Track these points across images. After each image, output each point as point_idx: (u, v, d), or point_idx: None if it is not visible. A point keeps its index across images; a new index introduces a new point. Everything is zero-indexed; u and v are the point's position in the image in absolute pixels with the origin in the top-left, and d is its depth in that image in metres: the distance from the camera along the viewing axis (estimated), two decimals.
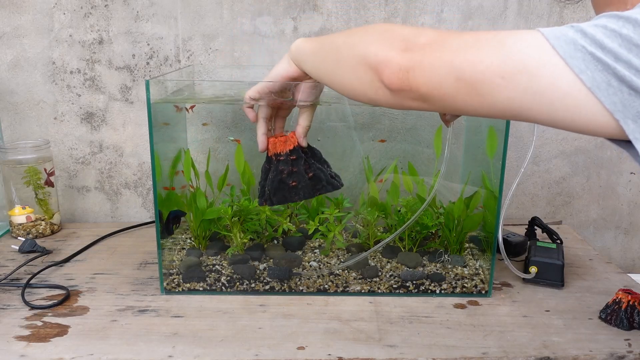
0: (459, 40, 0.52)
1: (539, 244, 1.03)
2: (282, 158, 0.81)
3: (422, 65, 0.53)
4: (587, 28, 0.47)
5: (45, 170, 1.17)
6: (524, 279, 0.99)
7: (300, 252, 1.03)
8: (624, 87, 0.45)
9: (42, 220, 1.20)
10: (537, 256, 0.98)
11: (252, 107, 0.81)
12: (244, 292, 0.95)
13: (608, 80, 0.45)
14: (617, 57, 0.45)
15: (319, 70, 0.68)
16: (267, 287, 0.95)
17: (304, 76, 0.74)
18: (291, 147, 0.81)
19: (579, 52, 0.46)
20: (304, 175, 0.82)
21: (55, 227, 1.22)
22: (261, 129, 0.82)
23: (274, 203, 0.82)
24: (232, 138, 1.16)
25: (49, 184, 1.18)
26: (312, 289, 0.95)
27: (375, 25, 0.62)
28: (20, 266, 1.02)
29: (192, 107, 1.16)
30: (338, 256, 1.01)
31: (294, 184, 0.81)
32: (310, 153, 0.83)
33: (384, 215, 1.01)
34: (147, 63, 1.22)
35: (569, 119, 0.48)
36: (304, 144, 0.81)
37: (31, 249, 1.10)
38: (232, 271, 0.96)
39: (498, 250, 0.93)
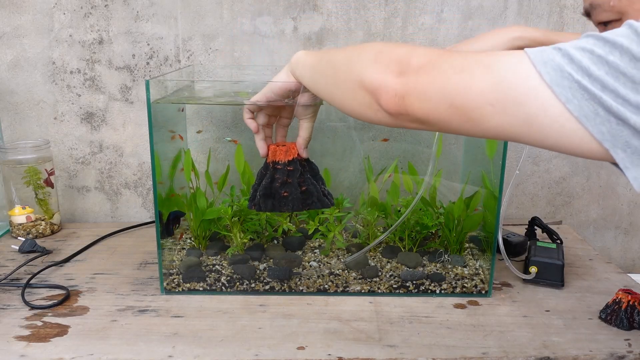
0: (449, 63, 0.53)
1: (539, 244, 1.03)
2: (279, 167, 0.81)
3: (416, 91, 0.54)
4: (575, 53, 0.46)
5: (46, 170, 1.17)
6: (524, 279, 0.99)
7: (300, 252, 1.03)
8: (612, 117, 0.45)
9: (42, 220, 1.20)
10: (537, 256, 0.98)
11: (253, 117, 0.81)
12: (244, 292, 0.95)
13: (595, 109, 0.45)
14: (604, 85, 0.44)
15: (318, 86, 0.69)
16: (267, 287, 0.95)
17: (302, 88, 0.75)
18: (290, 158, 0.82)
19: (566, 79, 0.46)
20: (297, 187, 0.82)
21: (55, 227, 1.22)
22: (260, 135, 0.82)
23: (261, 209, 0.83)
24: (229, 139, 1.16)
25: (49, 184, 1.18)
26: (312, 289, 0.95)
27: (371, 45, 0.62)
28: (20, 266, 1.02)
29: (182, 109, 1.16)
30: (338, 256, 1.01)
31: (285, 194, 0.82)
32: (308, 167, 0.84)
33: (384, 215, 1.01)
34: (147, 63, 1.22)
35: (560, 145, 0.48)
36: (304, 155, 0.82)
37: (31, 249, 1.10)
38: (232, 271, 0.96)
39: (498, 251, 0.93)
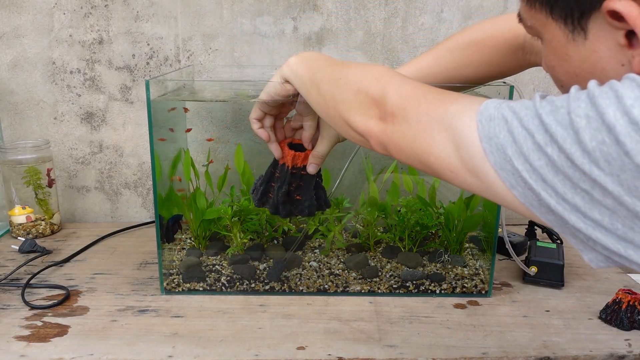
0: (417, 117, 0.53)
1: (539, 244, 1.03)
2: (294, 171, 0.82)
3: (393, 142, 0.56)
4: (519, 132, 0.44)
5: (48, 173, 1.17)
6: (524, 279, 0.99)
7: (300, 252, 1.03)
8: (553, 214, 0.44)
9: (42, 220, 1.20)
10: (537, 256, 0.98)
11: (262, 127, 0.81)
12: (244, 292, 0.95)
13: (538, 201, 0.44)
14: (543, 179, 0.43)
15: (312, 105, 0.70)
16: (267, 287, 0.95)
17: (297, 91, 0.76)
18: (307, 163, 0.83)
19: (508, 164, 0.45)
20: (311, 192, 0.84)
21: (55, 227, 1.22)
22: (272, 141, 0.83)
23: (280, 214, 0.84)
24: (207, 139, 1.16)
25: (50, 184, 1.18)
26: (312, 289, 0.95)
27: (348, 76, 0.63)
28: (20, 266, 1.02)
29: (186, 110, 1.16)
30: (338, 256, 1.01)
31: (298, 197, 0.83)
32: (317, 173, 0.85)
33: (384, 215, 1.01)
34: (147, 63, 1.22)
35: (519, 212, 0.48)
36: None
37: (31, 249, 1.10)
38: (232, 271, 0.96)
39: (498, 251, 0.93)
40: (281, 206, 0.83)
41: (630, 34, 0.45)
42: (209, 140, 1.19)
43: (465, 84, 0.81)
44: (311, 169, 0.82)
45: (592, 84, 0.43)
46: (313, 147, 0.82)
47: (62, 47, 1.21)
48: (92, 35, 1.20)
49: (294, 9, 1.20)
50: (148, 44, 1.21)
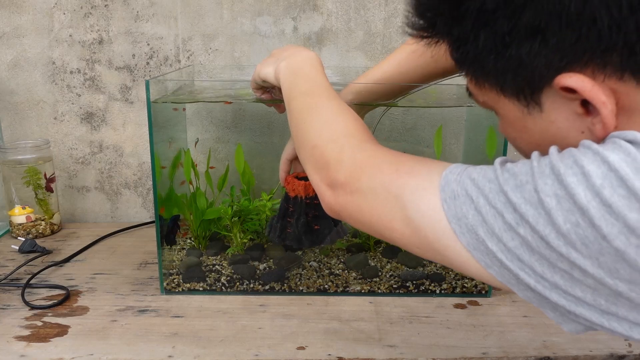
0: (372, 190, 0.52)
1: None
2: (308, 201, 0.84)
3: (348, 213, 0.55)
4: (487, 211, 0.43)
5: (45, 175, 1.17)
6: None
7: (300, 252, 1.03)
8: (533, 292, 0.43)
9: (42, 220, 1.20)
10: None
11: (261, 88, 0.82)
12: (244, 292, 0.95)
13: (516, 279, 0.43)
14: (520, 259, 0.42)
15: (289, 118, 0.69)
16: (267, 287, 0.95)
17: None
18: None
19: (482, 245, 0.44)
20: (329, 219, 0.84)
21: (55, 227, 1.22)
22: (283, 167, 0.86)
23: (304, 246, 0.86)
24: (196, 140, 1.16)
25: (49, 189, 1.18)
26: (312, 289, 0.95)
27: (309, 128, 0.62)
28: (20, 266, 1.02)
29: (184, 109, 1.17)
30: (338, 256, 1.01)
31: (317, 227, 0.84)
32: None
33: None
34: (147, 63, 1.22)
35: (497, 288, 0.48)
36: None
37: (31, 249, 1.10)
38: (232, 271, 0.96)
39: None
40: (304, 236, 0.84)
41: (585, 102, 0.43)
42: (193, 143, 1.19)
43: (432, 80, 0.81)
44: None
45: (553, 152, 0.42)
46: None
47: (62, 47, 1.21)
48: (92, 35, 1.20)
49: (294, 9, 1.20)
50: (148, 44, 1.21)
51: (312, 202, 0.83)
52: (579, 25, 0.40)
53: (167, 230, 0.96)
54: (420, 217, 0.48)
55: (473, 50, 0.46)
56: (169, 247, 0.98)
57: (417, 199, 0.48)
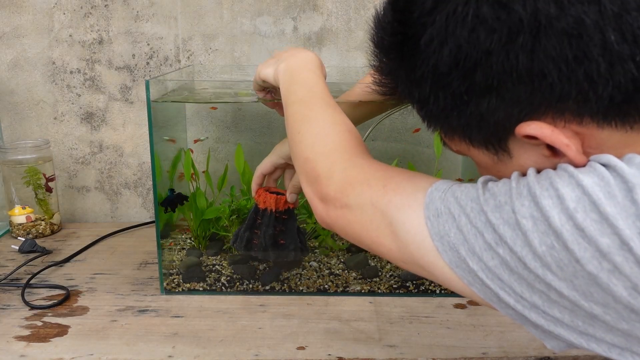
0: (361, 208, 0.52)
1: None
2: (277, 215, 0.86)
3: (339, 226, 0.56)
4: (468, 229, 0.44)
5: (44, 175, 1.17)
6: None
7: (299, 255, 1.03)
8: (514, 310, 0.44)
9: (42, 220, 1.20)
10: None
11: (263, 89, 0.82)
12: (244, 292, 0.95)
13: (498, 298, 0.44)
14: (500, 278, 0.43)
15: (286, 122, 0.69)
16: (267, 287, 0.95)
17: None
18: (287, 207, 0.87)
19: (463, 263, 0.45)
20: (295, 235, 0.88)
21: (55, 227, 1.22)
22: (257, 180, 0.88)
23: (270, 258, 0.90)
24: (167, 138, 1.16)
25: (48, 189, 1.18)
26: (312, 289, 0.95)
27: (302, 139, 0.62)
28: (20, 266, 1.02)
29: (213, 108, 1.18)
30: (338, 256, 1.01)
31: (282, 242, 0.87)
32: (295, 218, 0.90)
33: None
34: (147, 63, 1.22)
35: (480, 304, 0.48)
36: (297, 204, 0.88)
37: (31, 249, 1.10)
38: (232, 271, 0.96)
39: None
40: (270, 249, 0.87)
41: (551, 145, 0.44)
42: (171, 141, 1.17)
43: None
44: (290, 198, 0.86)
45: (531, 174, 0.43)
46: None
47: (62, 47, 1.21)
48: (92, 35, 1.21)
49: (294, 9, 1.20)
50: (148, 44, 1.21)
51: (281, 216, 0.85)
52: (530, 80, 0.41)
53: (172, 199, 0.95)
54: (405, 233, 0.48)
55: (436, 110, 0.47)
56: (166, 214, 0.96)
57: (402, 216, 0.49)
